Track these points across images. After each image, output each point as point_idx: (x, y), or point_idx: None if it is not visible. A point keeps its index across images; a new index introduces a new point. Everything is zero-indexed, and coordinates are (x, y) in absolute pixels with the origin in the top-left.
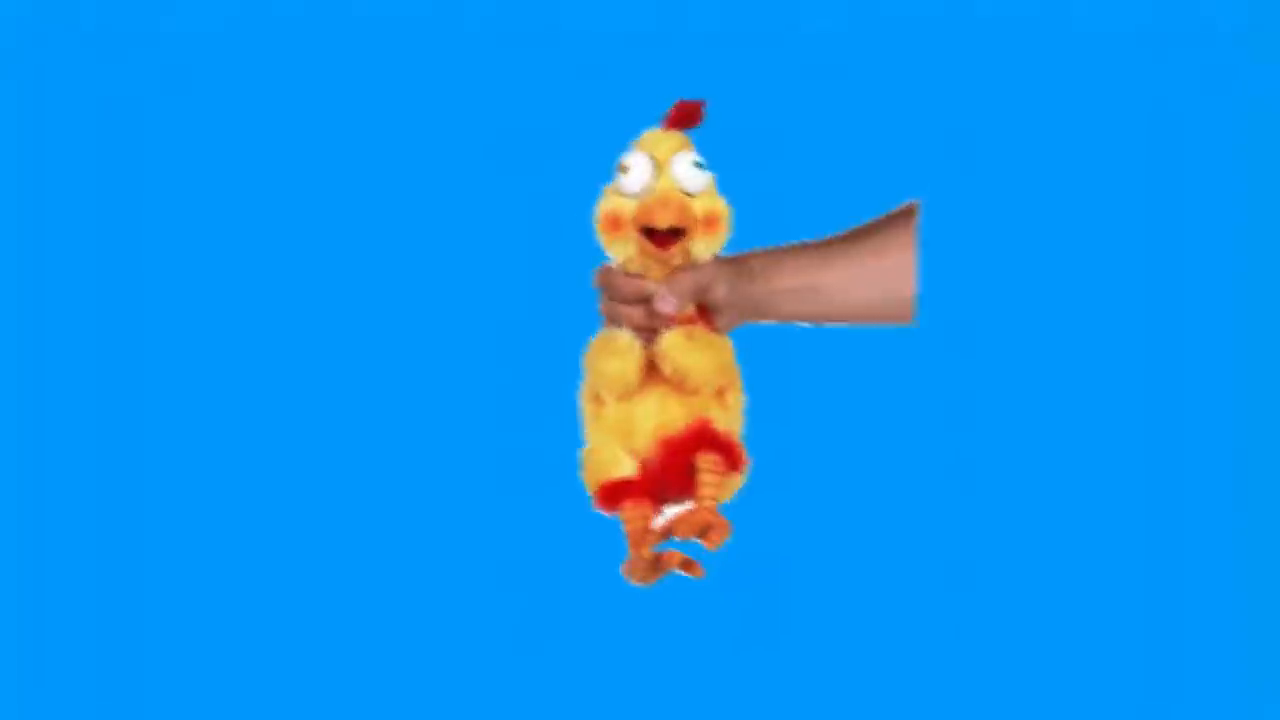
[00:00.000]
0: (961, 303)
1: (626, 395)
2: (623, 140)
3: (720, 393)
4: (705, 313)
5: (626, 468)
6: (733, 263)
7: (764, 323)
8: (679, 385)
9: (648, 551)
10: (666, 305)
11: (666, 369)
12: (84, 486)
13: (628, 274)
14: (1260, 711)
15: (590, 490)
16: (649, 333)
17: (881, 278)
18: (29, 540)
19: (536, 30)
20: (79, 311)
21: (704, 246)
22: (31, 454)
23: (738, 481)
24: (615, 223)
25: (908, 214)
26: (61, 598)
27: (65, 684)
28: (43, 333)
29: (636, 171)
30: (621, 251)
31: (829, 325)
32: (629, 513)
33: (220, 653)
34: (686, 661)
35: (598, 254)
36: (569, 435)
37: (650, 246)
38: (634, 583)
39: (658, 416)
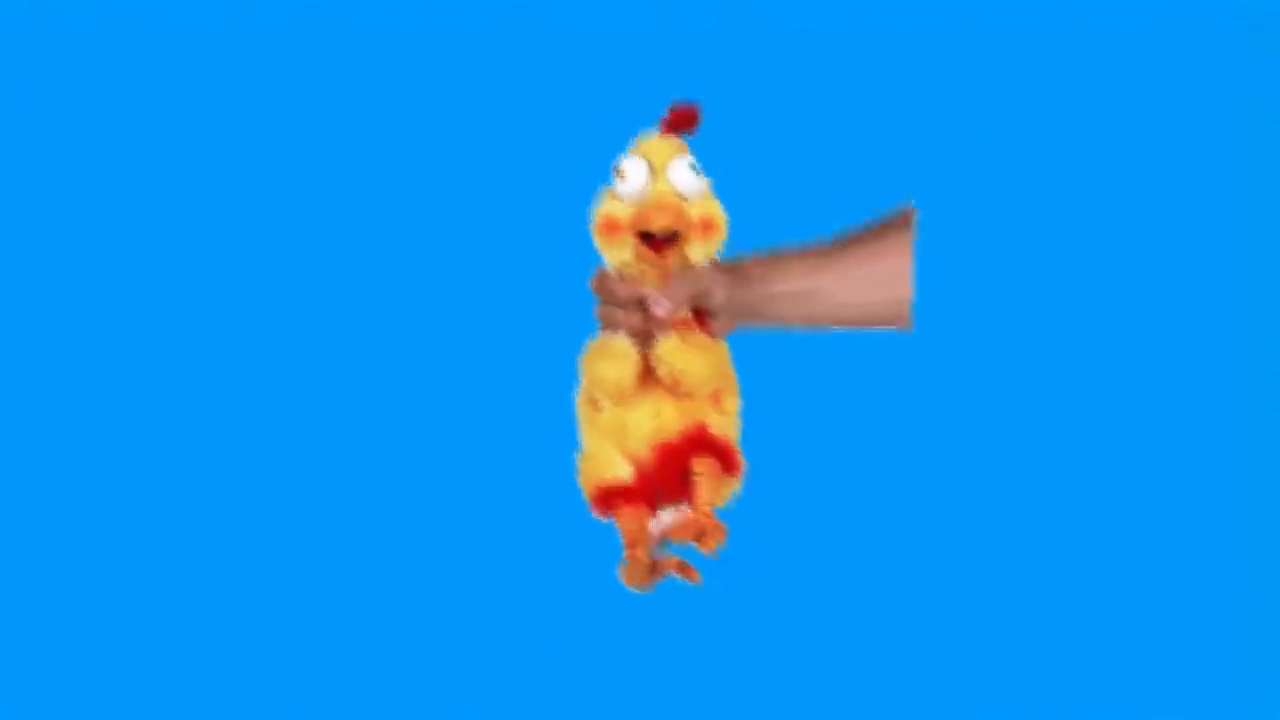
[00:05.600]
0: (958, 307)
1: (622, 400)
2: (619, 144)
3: (716, 397)
4: (701, 317)
5: (622, 472)
6: (729, 267)
7: (760, 327)
8: (675, 389)
9: (644, 556)
10: (662, 309)
11: (662, 373)
12: (81, 485)
13: (624, 278)
14: (1260, 712)
15: (586, 494)
16: (645, 337)
17: (878, 282)
18: (28, 541)
19: (532, 32)
20: (76, 310)
21: (700, 251)
22: (29, 455)
23: (734, 486)
24: (611, 227)
25: (905, 218)
26: (57, 598)
27: (61, 683)
28: (40, 333)
29: (632, 175)
30: (617, 255)
31: (825, 329)
32: (625, 517)
33: (212, 651)
34: (683, 666)
35: (594, 258)
36: (565, 439)
37: (646, 251)
38: (630, 587)
39: (654, 421)
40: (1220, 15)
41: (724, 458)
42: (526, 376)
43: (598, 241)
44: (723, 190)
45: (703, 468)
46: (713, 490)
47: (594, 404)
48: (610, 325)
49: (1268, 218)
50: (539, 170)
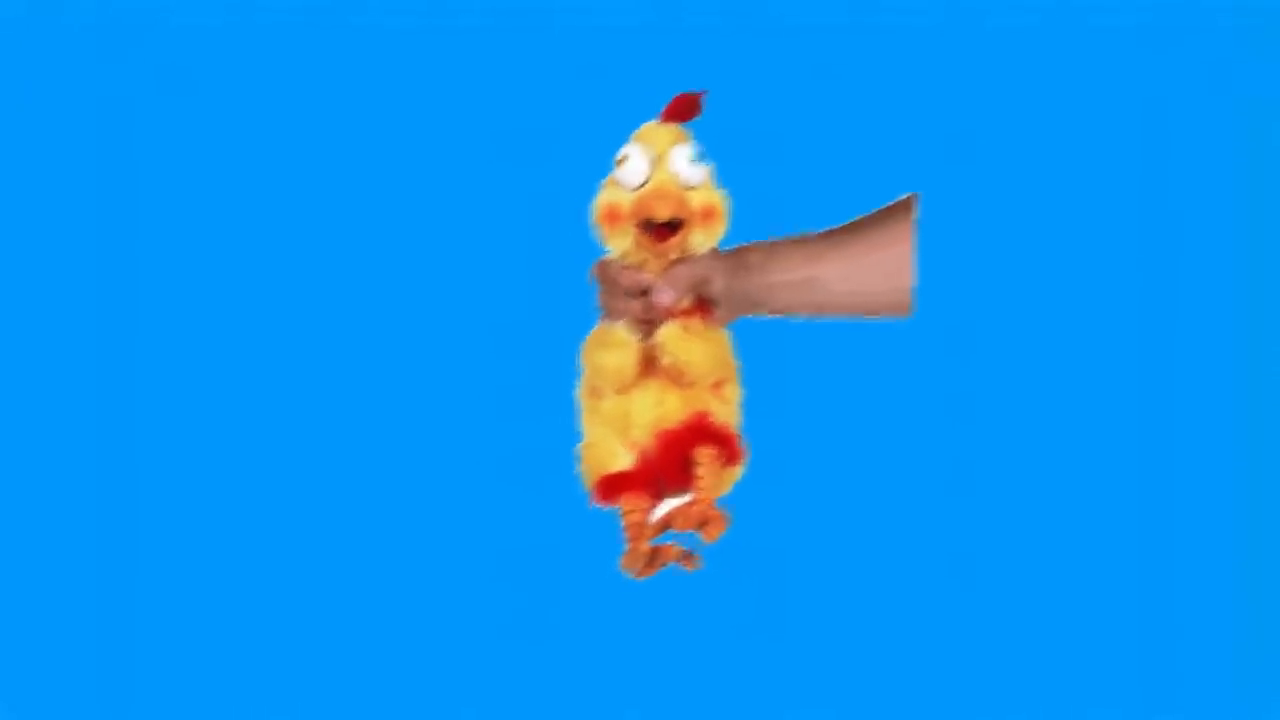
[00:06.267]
0: (959, 295)
1: (624, 388)
2: (621, 133)
3: (718, 386)
4: (703, 305)
5: (624, 461)
6: (731, 255)
7: (762, 315)
8: (676, 378)
9: (645, 545)
10: (664, 298)
11: (664, 362)
12: (81, 488)
13: (626, 267)
14: (1260, 712)
15: (588, 484)
16: (647, 326)
17: (880, 270)
18: (28, 541)
19: (535, 23)
20: (76, 309)
21: (702, 239)
22: (30, 456)
23: (735, 474)
24: (613, 216)
25: (906, 206)
26: (57, 599)
27: (61, 684)
28: (40, 332)
29: (634, 164)
30: (619, 244)
31: (827, 318)
32: (627, 506)
33: (211, 645)
34: (684, 654)
35: (596, 247)
36: (567, 429)
37: (648, 240)
38: (632, 576)
39: (655, 410)
40: (1220, 15)
41: (726, 446)
42: (529, 366)
43: (599, 230)
44: (725, 178)
45: (704, 457)
46: (714, 479)
47: (596, 393)
48: (612, 314)
49: (1267, 217)
50: (541, 160)
